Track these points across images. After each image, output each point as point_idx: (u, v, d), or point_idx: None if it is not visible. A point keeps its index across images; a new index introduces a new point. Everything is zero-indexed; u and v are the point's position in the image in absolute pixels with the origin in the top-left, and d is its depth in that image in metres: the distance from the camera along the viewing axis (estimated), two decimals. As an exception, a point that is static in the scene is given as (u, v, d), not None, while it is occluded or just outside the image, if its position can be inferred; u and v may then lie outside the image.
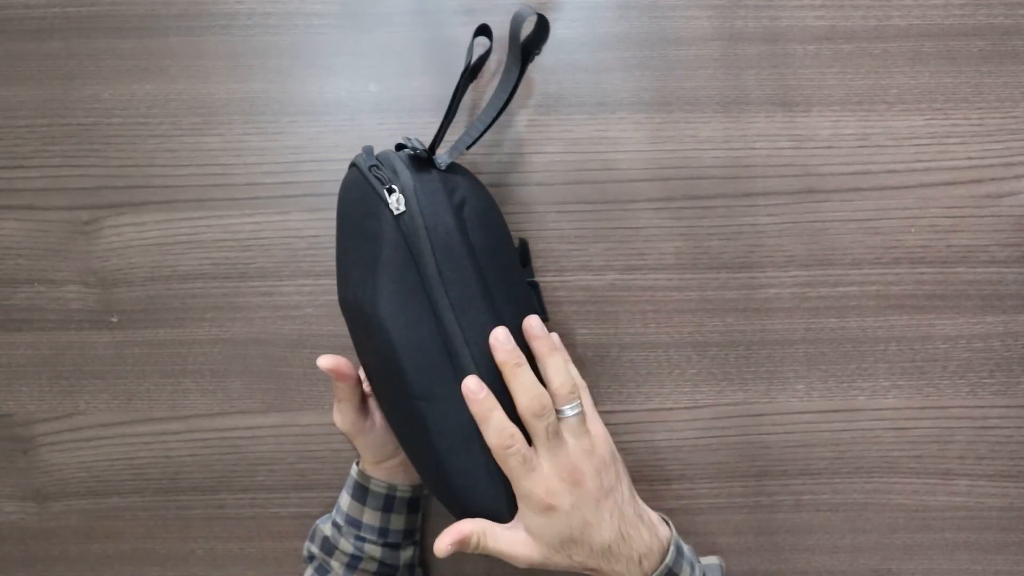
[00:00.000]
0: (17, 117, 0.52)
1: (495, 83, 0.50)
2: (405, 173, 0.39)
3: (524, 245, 0.50)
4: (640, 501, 0.42)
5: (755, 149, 0.51)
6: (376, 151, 0.42)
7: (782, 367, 0.52)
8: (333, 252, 0.52)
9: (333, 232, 0.51)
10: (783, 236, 0.51)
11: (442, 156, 0.42)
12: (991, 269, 0.51)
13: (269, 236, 0.52)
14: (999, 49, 0.50)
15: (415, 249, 0.38)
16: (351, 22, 0.51)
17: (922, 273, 0.51)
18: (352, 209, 0.41)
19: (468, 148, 0.43)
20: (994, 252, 0.51)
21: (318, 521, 0.48)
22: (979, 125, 0.51)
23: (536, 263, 0.51)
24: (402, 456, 0.47)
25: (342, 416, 0.45)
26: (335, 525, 0.47)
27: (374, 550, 0.46)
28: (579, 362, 0.51)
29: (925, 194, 0.51)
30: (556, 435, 0.39)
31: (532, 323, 0.41)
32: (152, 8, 0.51)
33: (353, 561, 0.46)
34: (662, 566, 0.40)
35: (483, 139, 0.44)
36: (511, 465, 0.38)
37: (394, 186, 0.39)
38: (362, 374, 0.49)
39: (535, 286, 0.49)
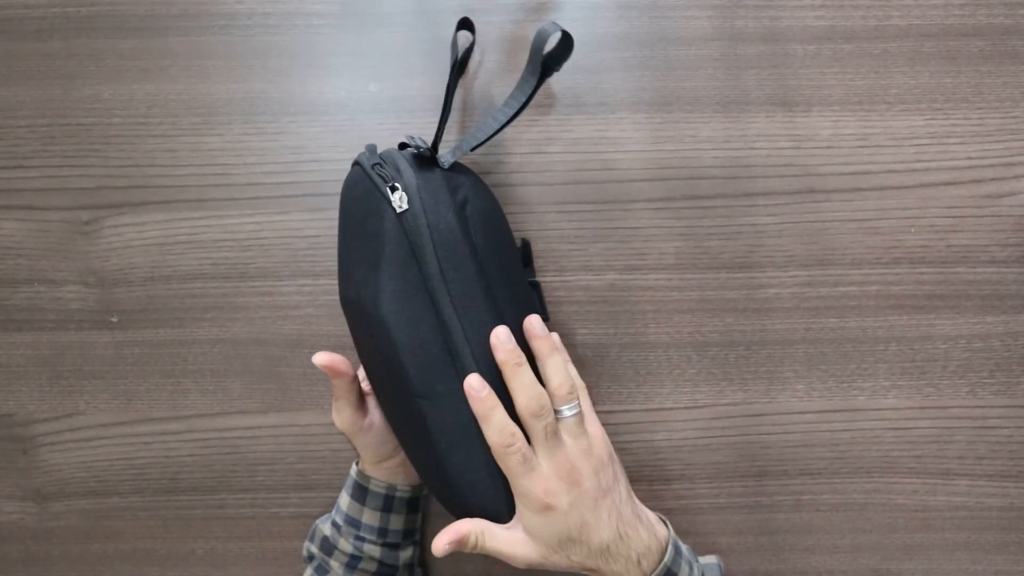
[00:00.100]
0: (17, 117, 0.52)
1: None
2: (408, 171, 0.39)
3: (526, 245, 0.50)
4: (638, 501, 0.42)
5: (755, 149, 0.51)
6: (379, 150, 0.42)
7: (782, 367, 0.52)
8: (333, 252, 0.52)
9: (333, 232, 0.52)
10: (783, 236, 0.51)
11: (445, 155, 0.42)
12: (991, 269, 0.51)
13: (269, 236, 0.52)
14: (999, 49, 0.50)
15: (417, 247, 0.38)
16: (351, 22, 0.51)
17: (922, 273, 0.51)
18: (355, 207, 0.41)
19: (472, 150, 0.43)
20: (994, 252, 0.51)
21: (318, 521, 0.48)
22: (979, 125, 0.51)
23: (536, 263, 0.51)
24: (402, 456, 0.47)
25: (340, 414, 0.45)
26: (334, 525, 0.47)
27: (373, 550, 0.46)
28: (579, 362, 0.51)
29: (925, 194, 0.51)
30: (554, 435, 0.39)
31: (533, 323, 0.41)
32: (152, 8, 0.51)
33: (352, 561, 0.46)
34: (660, 566, 0.40)
35: (481, 144, 0.44)
36: (510, 464, 0.38)
37: (397, 184, 0.39)
38: (361, 373, 0.49)
39: (536, 286, 0.49)
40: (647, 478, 0.52)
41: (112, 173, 0.52)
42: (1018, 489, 0.52)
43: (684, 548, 0.42)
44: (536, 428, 0.38)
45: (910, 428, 0.52)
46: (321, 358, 0.43)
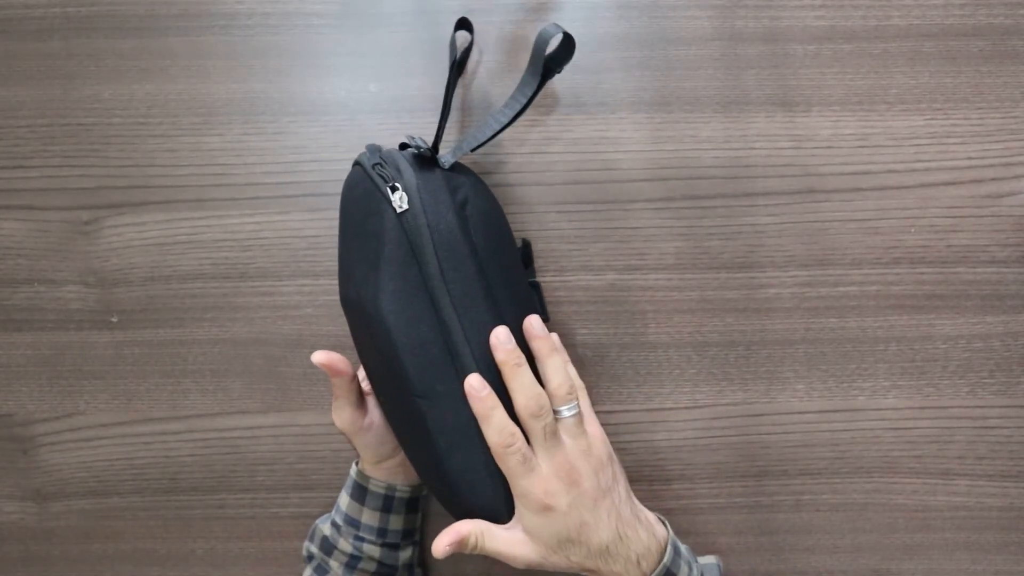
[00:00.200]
0: (17, 117, 0.52)
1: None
2: (409, 171, 0.39)
3: (527, 245, 0.50)
4: (637, 502, 0.42)
5: (755, 149, 0.51)
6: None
7: (782, 367, 0.52)
8: (333, 252, 0.52)
9: (333, 232, 0.52)
10: (783, 236, 0.51)
11: (445, 155, 0.42)
12: (991, 269, 0.51)
13: (269, 236, 0.52)
14: (999, 49, 0.50)
15: (417, 247, 0.38)
16: (351, 22, 0.51)
17: (922, 273, 0.51)
18: (355, 207, 0.41)
19: (473, 150, 0.43)
20: (994, 252, 0.51)
21: (318, 521, 0.48)
22: (979, 125, 0.50)
23: (536, 263, 0.51)
24: (401, 456, 0.47)
25: (340, 414, 0.45)
26: (334, 525, 0.47)
27: (373, 550, 0.46)
28: (579, 362, 0.51)
29: (925, 194, 0.51)
30: (553, 435, 0.39)
31: (532, 323, 0.41)
32: (152, 8, 0.51)
33: (352, 561, 0.46)
34: (660, 566, 0.40)
35: (482, 145, 0.44)
36: (510, 464, 0.38)
37: (397, 184, 0.39)
38: (361, 373, 0.49)
39: (536, 286, 0.49)
40: (647, 478, 0.52)
41: (112, 173, 0.52)
42: (1018, 489, 0.52)
43: (683, 548, 0.42)
44: (535, 428, 0.38)
45: (910, 428, 0.52)
46: (320, 357, 0.43)
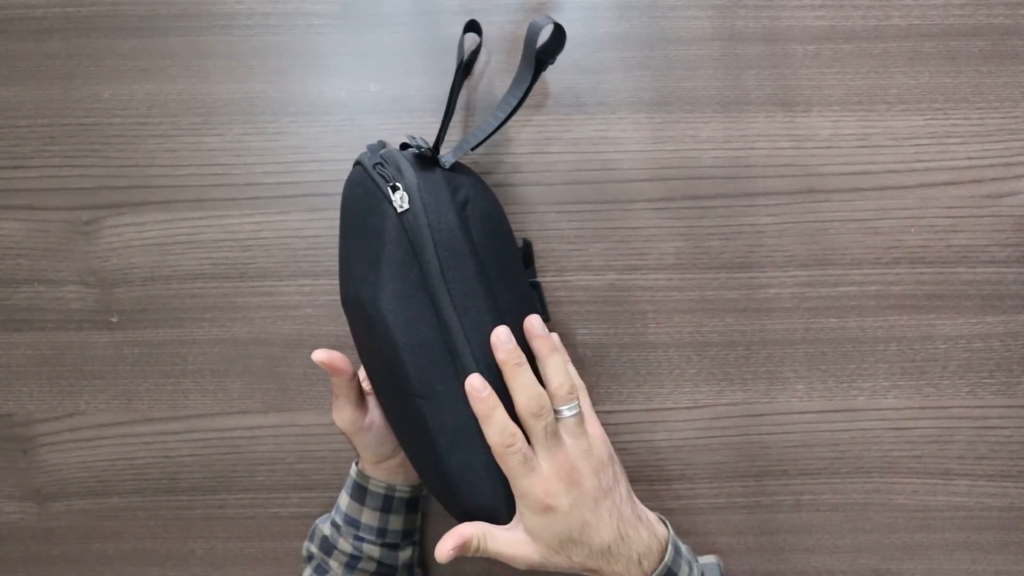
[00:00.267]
0: (17, 117, 0.52)
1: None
2: (409, 171, 0.39)
3: (528, 246, 0.50)
4: (637, 501, 0.42)
5: (755, 149, 0.51)
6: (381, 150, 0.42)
7: (782, 367, 0.52)
8: (333, 252, 0.52)
9: (333, 232, 0.52)
10: (783, 236, 0.51)
11: (446, 155, 0.42)
12: (991, 269, 0.51)
13: (269, 236, 0.52)
14: (999, 49, 0.50)
15: (418, 247, 0.38)
16: (351, 22, 0.51)
17: (922, 273, 0.51)
18: (356, 206, 0.41)
19: (473, 149, 0.43)
20: (994, 252, 0.51)
21: (317, 521, 0.48)
22: (979, 125, 0.50)
23: (536, 263, 0.51)
24: (401, 456, 0.47)
25: (340, 413, 0.45)
26: (334, 525, 0.47)
27: (372, 550, 0.46)
28: (579, 362, 0.51)
29: (925, 194, 0.51)
30: (554, 435, 0.39)
31: (533, 323, 0.41)
32: (152, 8, 0.51)
33: (352, 561, 0.46)
34: (661, 565, 0.40)
35: (482, 143, 0.44)
36: (511, 464, 0.38)
37: (398, 184, 0.39)
38: (362, 373, 0.49)
39: (537, 287, 0.49)
40: (647, 478, 0.52)
41: (112, 173, 0.52)
42: (1018, 489, 0.52)
43: (683, 548, 0.42)
44: (536, 428, 0.38)
45: (910, 428, 0.52)
46: (320, 355, 0.43)
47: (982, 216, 0.51)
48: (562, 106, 0.51)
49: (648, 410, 0.52)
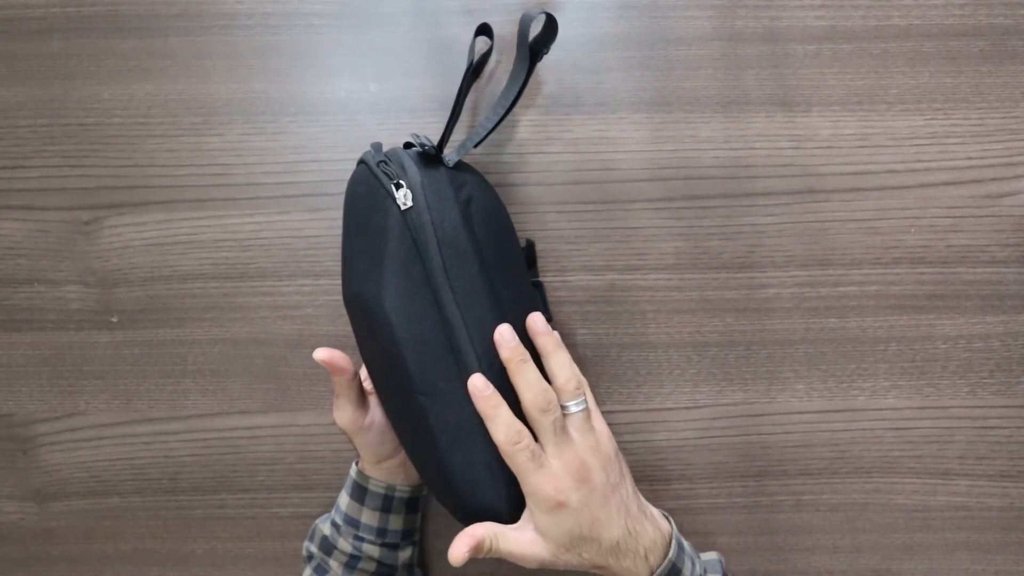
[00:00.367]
0: (17, 117, 0.52)
1: (495, 82, 0.51)
2: (413, 169, 0.39)
3: (531, 245, 0.50)
4: (642, 497, 0.42)
5: (755, 149, 0.51)
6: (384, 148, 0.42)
7: (782, 367, 0.52)
8: (333, 252, 0.52)
9: (334, 232, 0.52)
10: (783, 236, 0.51)
11: (450, 154, 0.42)
12: (991, 269, 0.51)
13: (269, 236, 0.52)
14: (999, 49, 0.50)
15: (421, 244, 0.38)
16: (351, 22, 0.51)
17: (922, 273, 0.51)
18: (359, 204, 0.41)
19: (476, 146, 0.43)
20: (994, 252, 0.51)
21: (317, 521, 0.48)
22: (979, 125, 0.50)
23: (537, 263, 0.51)
24: (401, 456, 0.47)
25: (341, 412, 0.45)
26: (334, 525, 0.47)
27: (372, 550, 0.46)
28: (579, 362, 0.51)
29: (925, 194, 0.51)
30: (562, 431, 0.39)
31: (536, 320, 0.41)
32: (152, 8, 0.51)
33: (352, 561, 0.46)
34: (666, 560, 0.40)
35: (484, 139, 0.44)
36: (519, 461, 0.38)
37: (402, 181, 0.39)
38: (363, 372, 0.49)
39: (540, 286, 0.49)
40: (647, 478, 0.52)
41: (112, 173, 0.52)
42: (1018, 489, 0.52)
43: (686, 544, 0.42)
44: (544, 424, 0.38)
45: (910, 428, 0.52)
46: (321, 353, 0.43)
47: (982, 216, 0.51)
48: (562, 106, 0.51)
49: (648, 410, 0.52)
